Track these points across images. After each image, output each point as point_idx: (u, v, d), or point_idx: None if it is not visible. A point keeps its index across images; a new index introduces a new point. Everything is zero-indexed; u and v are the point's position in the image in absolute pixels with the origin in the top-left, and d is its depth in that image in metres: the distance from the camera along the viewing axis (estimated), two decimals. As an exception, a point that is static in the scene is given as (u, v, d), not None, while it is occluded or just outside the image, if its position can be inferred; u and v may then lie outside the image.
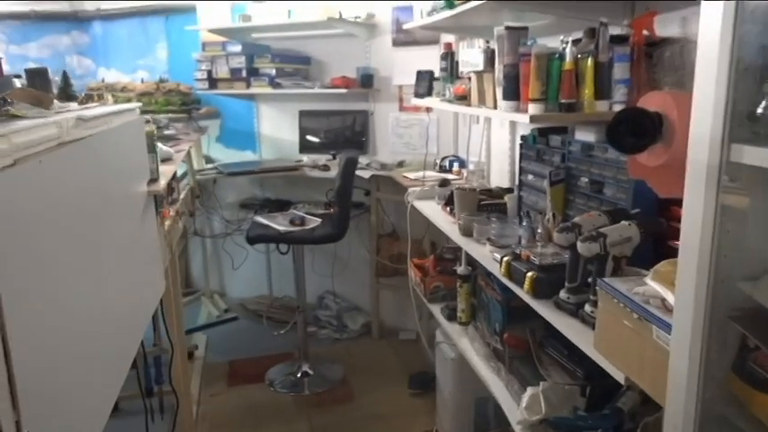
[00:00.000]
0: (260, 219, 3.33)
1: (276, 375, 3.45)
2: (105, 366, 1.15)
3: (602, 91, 1.56)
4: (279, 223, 3.25)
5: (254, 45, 3.93)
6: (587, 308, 1.40)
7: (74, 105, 1.20)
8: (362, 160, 3.69)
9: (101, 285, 1.11)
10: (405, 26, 2.80)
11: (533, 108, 1.60)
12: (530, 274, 1.59)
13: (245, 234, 3.21)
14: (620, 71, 1.56)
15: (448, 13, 2.08)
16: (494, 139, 2.90)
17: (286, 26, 3.79)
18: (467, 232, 2.18)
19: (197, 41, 4.10)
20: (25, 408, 0.74)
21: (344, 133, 3.93)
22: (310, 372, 3.42)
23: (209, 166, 3.98)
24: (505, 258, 1.73)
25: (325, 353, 3.69)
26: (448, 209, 2.47)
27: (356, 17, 3.60)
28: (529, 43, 1.65)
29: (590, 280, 1.42)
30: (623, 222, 1.36)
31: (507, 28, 1.67)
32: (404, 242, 3.09)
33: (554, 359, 1.82)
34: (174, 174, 2.38)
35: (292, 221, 3.25)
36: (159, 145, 2.17)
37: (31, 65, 5.19)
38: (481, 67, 1.89)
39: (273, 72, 3.76)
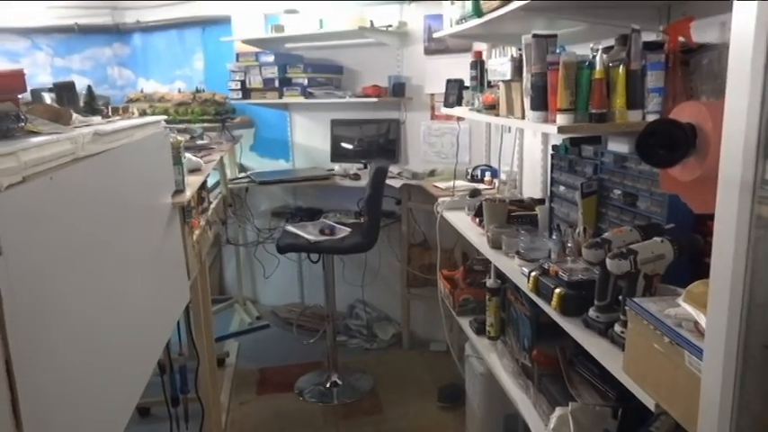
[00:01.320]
0: (290, 228, 3.34)
1: (305, 384, 3.45)
2: (122, 377, 1.15)
3: (634, 100, 1.50)
4: (309, 232, 3.25)
5: (286, 55, 3.96)
6: (617, 328, 1.34)
7: (96, 119, 1.21)
8: (394, 169, 3.67)
9: (119, 296, 1.11)
10: (434, 35, 2.77)
11: (562, 118, 1.55)
12: (558, 290, 1.54)
13: (276, 243, 3.22)
14: (653, 80, 1.49)
15: (476, 21, 2.04)
16: (526, 148, 2.84)
17: (318, 36, 3.80)
18: (496, 245, 2.13)
19: (232, 52, 4.15)
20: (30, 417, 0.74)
21: (376, 142, 3.92)
22: (339, 382, 3.40)
23: (243, 174, 4.02)
24: (533, 273, 1.67)
25: (354, 363, 3.67)
26: (477, 220, 2.43)
27: (388, 26, 3.59)
28: (557, 51, 1.60)
29: (620, 298, 1.36)
30: (656, 239, 1.30)
31: (535, 36, 1.62)
32: (435, 252, 3.05)
33: (584, 378, 1.75)
34: (204, 183, 2.40)
35: (322, 231, 3.25)
36: (188, 155, 2.19)
37: (75, 77, 5.36)
38: (509, 76, 1.85)
39: (305, 82, 3.78)
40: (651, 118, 1.50)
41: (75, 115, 1.11)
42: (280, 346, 4.01)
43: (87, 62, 5.15)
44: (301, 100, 3.82)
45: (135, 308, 1.21)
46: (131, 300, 1.18)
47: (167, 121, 4.56)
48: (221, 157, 3.45)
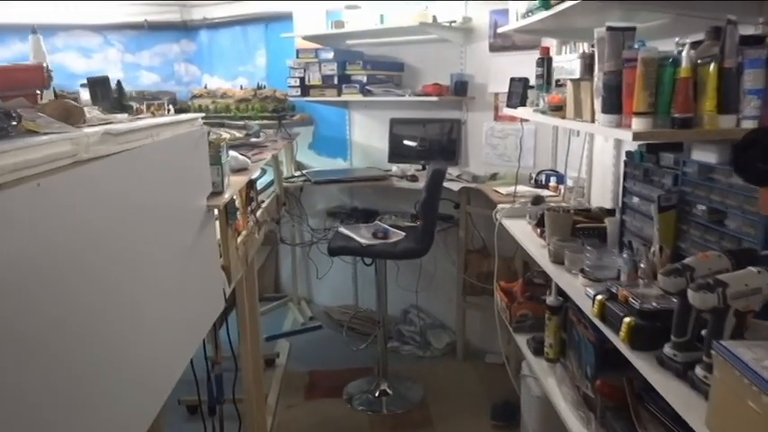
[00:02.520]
0: (343, 230, 3.24)
1: (354, 391, 3.34)
2: (137, 394, 1.07)
3: (727, 103, 1.29)
4: (362, 235, 3.14)
5: (346, 52, 3.87)
6: (699, 371, 1.14)
7: (121, 117, 1.13)
8: (453, 171, 3.51)
9: (130, 308, 1.02)
10: (500, 29, 2.59)
11: (638, 123, 1.35)
12: (627, 319, 1.35)
13: (327, 244, 3.13)
14: (751, 79, 1.27)
15: (544, 14, 1.86)
16: (596, 153, 2.61)
17: (378, 32, 3.68)
18: (557, 259, 1.94)
19: (293, 49, 4.10)
20: None
21: (436, 143, 3.76)
22: (389, 391, 3.28)
23: (298, 173, 3.95)
24: (599, 297, 1.48)
25: (405, 371, 3.54)
26: (539, 230, 2.24)
27: (451, 21, 3.43)
28: (636, 46, 1.40)
29: (703, 333, 1.16)
30: (750, 269, 1.09)
31: (609, 29, 1.43)
32: (494, 259, 2.87)
33: (655, 417, 1.55)
34: (252, 183, 2.32)
35: (375, 234, 3.13)
36: (234, 154, 2.12)
37: (144, 73, 5.49)
38: (578, 75, 1.66)
39: (365, 79, 3.67)
40: (747, 124, 1.28)
41: (94, 113, 1.03)
42: (331, 348, 3.93)
43: (156, 58, 5.25)
44: (360, 98, 3.72)
45: (153, 320, 1.12)
46: (147, 311, 1.09)
47: (229, 118, 4.59)
48: (276, 155, 3.39)
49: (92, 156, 0.85)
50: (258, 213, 2.57)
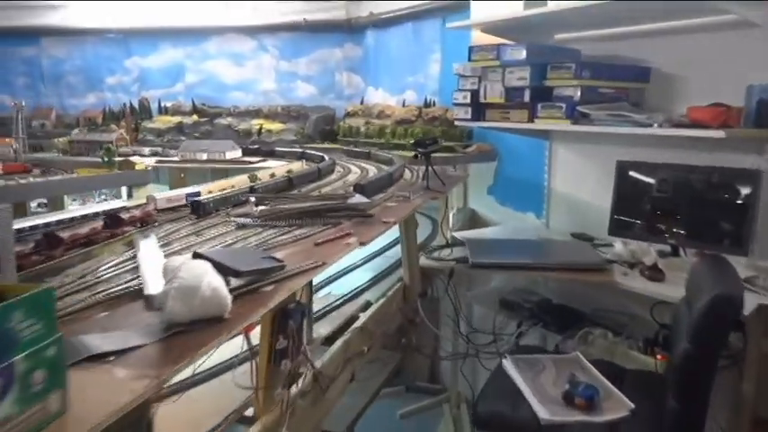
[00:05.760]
0: (509, 366, 1.77)
1: None
2: None
3: None
4: (542, 390, 1.65)
5: (548, 49, 2.37)
6: None
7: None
8: (739, 268, 1.80)
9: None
10: None
11: None
12: None
13: (474, 406, 1.69)
14: None
15: None
16: None
17: (608, 16, 2.13)
18: None
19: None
20: None
21: (704, 210, 2.08)
22: None
23: (451, 237, 2.53)
24: None
25: None
26: None
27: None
28: None
29: None
30: None
31: None
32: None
33: None
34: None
35: (569, 395, 1.60)
36: (207, 283, 0.83)
37: (300, 83, 4.58)
38: None
39: (577, 94, 2.16)
40: None
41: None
42: None
43: (314, 66, 4.30)
44: (567, 126, 2.21)
45: None
46: None
47: (380, 145, 3.36)
48: (412, 215, 2.05)
49: None
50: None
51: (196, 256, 0.98)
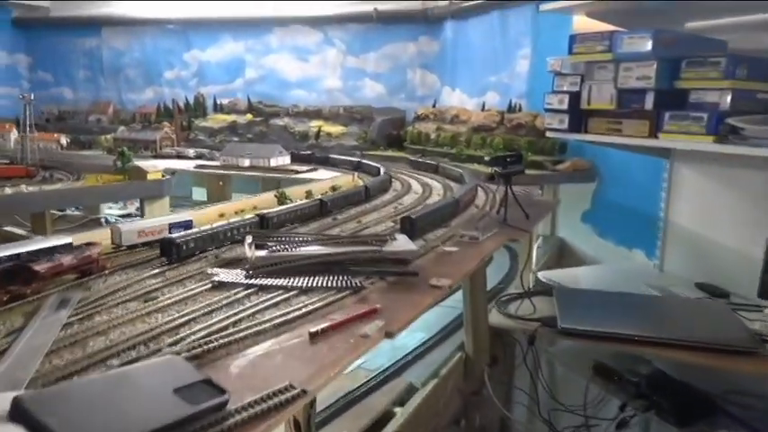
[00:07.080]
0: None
1: None
2: None
3: None
4: None
5: (681, 40, 1.74)
6: None
7: None
8: None
9: None
10: None
11: None
12: None
13: None
14: None
15: None
16: None
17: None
18: None
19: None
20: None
21: None
22: None
23: (540, 275, 1.95)
24: None
25: None
26: None
27: None
28: None
29: None
30: None
31: None
32: None
33: None
34: None
35: None
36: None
37: (368, 81, 4.10)
38: None
39: (727, 101, 1.53)
40: None
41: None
42: None
43: (384, 62, 3.82)
44: (708, 145, 1.58)
45: None
46: None
47: (453, 156, 2.81)
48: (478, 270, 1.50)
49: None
50: None
51: (18, 408, 0.49)
